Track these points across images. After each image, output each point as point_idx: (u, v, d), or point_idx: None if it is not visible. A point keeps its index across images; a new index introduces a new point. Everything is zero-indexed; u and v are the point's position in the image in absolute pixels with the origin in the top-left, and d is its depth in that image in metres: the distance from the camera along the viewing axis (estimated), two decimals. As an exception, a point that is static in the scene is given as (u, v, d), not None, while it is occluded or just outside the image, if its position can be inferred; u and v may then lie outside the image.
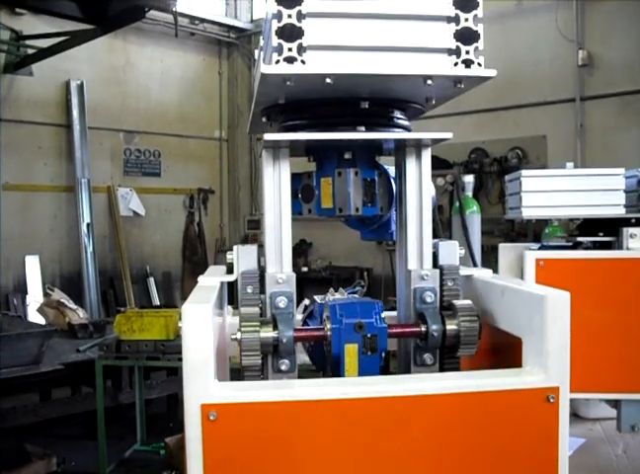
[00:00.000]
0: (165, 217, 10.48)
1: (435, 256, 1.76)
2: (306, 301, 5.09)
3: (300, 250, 9.89)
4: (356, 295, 1.96)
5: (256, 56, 2.07)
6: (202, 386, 1.34)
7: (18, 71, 8.58)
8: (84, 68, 9.37)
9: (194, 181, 10.78)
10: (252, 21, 11.19)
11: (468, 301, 1.68)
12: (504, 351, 1.71)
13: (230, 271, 1.78)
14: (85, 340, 5.94)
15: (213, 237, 11.13)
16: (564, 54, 7.79)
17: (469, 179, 6.43)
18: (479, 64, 1.53)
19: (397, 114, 1.75)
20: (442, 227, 6.45)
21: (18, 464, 4.96)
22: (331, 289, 2.03)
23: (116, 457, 5.05)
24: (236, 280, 1.73)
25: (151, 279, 10.15)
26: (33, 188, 8.97)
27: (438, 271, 1.74)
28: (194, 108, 10.76)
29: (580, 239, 3.26)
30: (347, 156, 1.71)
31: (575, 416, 5.19)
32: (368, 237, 2.02)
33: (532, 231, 7.52)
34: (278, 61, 1.45)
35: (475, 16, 1.53)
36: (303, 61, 1.46)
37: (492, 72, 1.54)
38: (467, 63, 1.53)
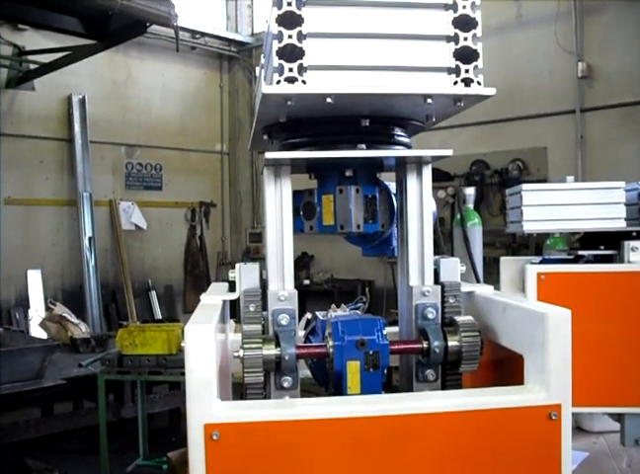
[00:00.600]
0: (167, 231, 10.49)
1: (436, 273, 1.76)
2: (308, 315, 5.09)
3: (302, 263, 9.89)
4: (357, 311, 1.96)
5: (257, 73, 2.08)
6: (205, 406, 1.35)
7: (20, 86, 8.62)
8: (86, 83, 9.41)
9: (195, 194, 10.80)
10: (253, 34, 11.24)
11: (469, 317, 1.68)
12: (506, 367, 1.71)
13: (232, 288, 1.79)
14: (87, 354, 5.94)
15: (215, 250, 11.13)
16: (564, 66, 7.81)
17: (470, 191, 6.44)
18: (478, 83, 1.55)
19: (397, 131, 1.76)
20: (444, 240, 6.46)
21: (20, 480, 4.95)
22: (333, 305, 2.03)
23: (118, 472, 5.04)
24: (238, 298, 1.74)
25: (153, 293, 10.15)
26: (34, 202, 8.99)
27: (439, 287, 1.74)
28: (195, 121, 10.79)
29: (581, 252, 3.26)
30: (348, 173, 1.73)
31: (578, 429, 5.16)
32: (370, 253, 2.03)
33: (534, 243, 7.52)
34: (279, 81, 1.47)
35: (474, 35, 1.55)
36: (304, 81, 1.47)
37: (491, 91, 1.55)
38: (467, 82, 1.55)
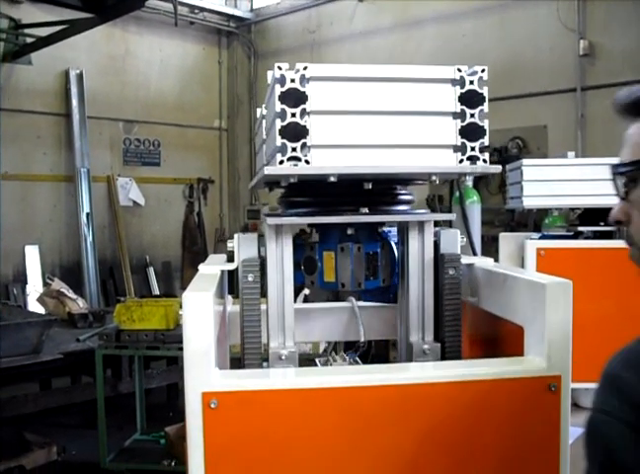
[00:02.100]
0: (165, 207, 10.46)
1: (436, 244, 1.75)
2: (306, 291, 5.09)
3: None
4: (357, 359, 1.93)
5: (258, 114, 2.05)
6: (203, 374, 1.34)
7: (17, 60, 8.54)
8: (83, 57, 9.33)
9: (193, 170, 10.76)
10: (252, 10, 11.13)
11: None
12: (505, 339, 1.71)
13: (231, 259, 1.78)
14: (85, 329, 5.95)
15: (213, 227, 11.12)
16: (565, 44, 7.75)
17: (469, 169, 6.40)
18: (484, 160, 1.53)
19: (400, 189, 1.76)
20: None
21: (18, 453, 4.96)
22: (332, 353, 2.01)
23: (116, 446, 5.06)
24: (237, 269, 1.73)
25: (151, 269, 10.14)
26: (32, 177, 8.95)
27: (439, 345, 1.73)
28: (193, 97, 10.73)
29: (580, 228, 3.26)
30: (349, 232, 1.70)
31: (575, 405, 5.17)
32: (369, 300, 2.02)
33: (533, 221, 7.51)
34: (281, 161, 1.44)
35: (481, 111, 1.52)
36: (307, 161, 1.45)
37: (497, 169, 1.55)
38: (472, 159, 1.52)
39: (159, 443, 5.20)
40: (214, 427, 1.33)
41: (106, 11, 7.34)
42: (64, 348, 5.34)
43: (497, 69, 8.44)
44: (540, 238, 3.24)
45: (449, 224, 5.64)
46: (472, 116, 1.52)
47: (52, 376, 5.79)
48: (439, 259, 1.74)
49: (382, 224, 1.81)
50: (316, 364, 1.86)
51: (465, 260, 1.80)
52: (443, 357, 1.72)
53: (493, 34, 8.25)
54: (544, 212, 3.87)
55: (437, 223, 1.80)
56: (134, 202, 10.00)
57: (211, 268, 1.75)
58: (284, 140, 1.44)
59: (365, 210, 1.64)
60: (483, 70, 1.52)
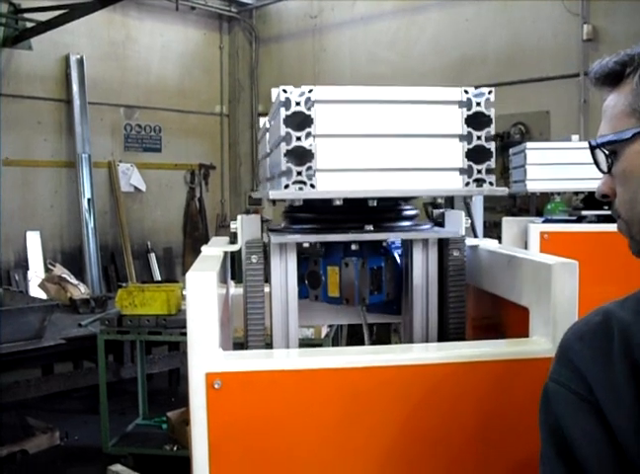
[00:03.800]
0: (166, 193, 10.44)
1: (440, 225, 1.74)
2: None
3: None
4: None
5: (261, 124, 2.03)
6: (207, 355, 1.33)
7: (16, 45, 8.49)
8: (83, 42, 9.28)
9: (194, 156, 10.73)
10: (253, -5, 11.07)
11: None
12: (510, 322, 1.70)
13: (233, 242, 1.77)
14: (87, 315, 5.95)
15: (214, 212, 11.10)
16: (568, 29, 7.70)
17: (472, 154, 6.39)
18: (490, 183, 1.51)
19: (404, 206, 1.75)
20: (445, 203, 6.42)
21: (21, 438, 4.99)
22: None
23: (118, 431, 5.07)
24: (240, 251, 1.72)
25: (152, 255, 10.13)
26: (33, 163, 8.92)
27: None
28: (194, 83, 10.68)
29: (584, 213, 3.25)
30: (354, 247, 1.68)
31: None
32: (373, 312, 2.02)
33: (535, 206, 7.49)
34: (287, 185, 1.43)
35: (487, 132, 1.51)
36: (313, 185, 1.44)
37: (503, 191, 1.54)
38: (479, 182, 1.51)
39: (161, 428, 5.22)
40: (218, 407, 1.33)
41: (106, -5, 7.31)
42: (66, 333, 5.34)
43: (499, 54, 8.42)
44: (544, 222, 3.23)
45: (452, 207, 5.61)
46: (479, 138, 1.50)
47: (54, 362, 5.79)
48: (442, 241, 1.73)
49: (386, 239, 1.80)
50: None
51: (470, 242, 1.80)
52: (447, 340, 1.71)
53: (496, 18, 8.20)
54: (546, 198, 3.86)
55: (438, 205, 1.79)
56: (136, 188, 9.97)
57: (215, 249, 1.74)
58: (290, 164, 1.43)
59: (370, 227, 1.63)
60: (490, 92, 1.51)
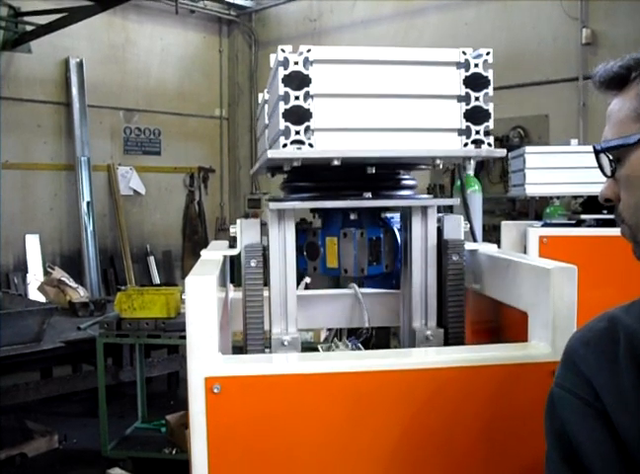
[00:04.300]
0: (165, 196, 10.44)
1: (439, 230, 1.75)
2: (307, 279, 5.10)
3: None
4: (359, 345, 1.93)
5: (260, 100, 2.03)
6: (206, 359, 1.33)
7: (16, 48, 8.49)
8: (83, 46, 9.29)
9: (194, 159, 10.74)
10: (253, -2, 11.09)
11: None
12: (509, 326, 1.70)
13: (232, 246, 1.77)
14: (86, 318, 5.94)
15: (214, 216, 11.10)
16: (567, 33, 7.71)
17: (471, 158, 6.38)
18: (489, 144, 1.51)
19: (403, 174, 1.75)
20: (444, 207, 6.42)
21: (20, 441, 4.99)
22: (335, 340, 2.00)
23: (117, 435, 5.06)
24: (239, 255, 1.72)
25: (151, 258, 10.13)
26: (32, 166, 8.92)
27: (442, 330, 1.72)
28: (194, 86, 10.69)
29: (583, 216, 3.25)
30: (352, 217, 1.69)
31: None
32: (372, 287, 2.02)
33: (534, 210, 7.50)
34: (285, 145, 1.43)
35: (486, 94, 1.51)
36: (311, 144, 1.44)
37: (501, 153, 1.53)
38: (477, 143, 1.51)
39: (160, 432, 5.21)
40: (217, 412, 1.33)
41: (106, -1, 7.31)
42: (65, 336, 5.33)
43: (498, 58, 8.33)
44: (543, 226, 3.23)
45: (451, 212, 5.62)
46: (477, 99, 1.51)
47: (53, 365, 5.79)
48: (442, 245, 1.74)
49: (385, 210, 1.80)
50: (318, 351, 1.86)
51: (469, 246, 1.80)
52: (447, 344, 1.71)
53: (495, 22, 8.21)
54: (545, 201, 3.87)
55: (439, 210, 1.79)
56: (135, 191, 9.97)
57: (214, 253, 1.75)
58: (288, 123, 1.43)
59: (369, 195, 1.63)
60: (488, 53, 1.51)
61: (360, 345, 1.90)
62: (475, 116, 1.51)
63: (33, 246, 8.84)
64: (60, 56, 9.10)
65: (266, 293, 1.71)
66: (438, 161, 1.57)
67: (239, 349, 1.75)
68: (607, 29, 7.48)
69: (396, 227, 1.80)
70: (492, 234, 6.94)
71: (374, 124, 1.49)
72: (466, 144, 1.51)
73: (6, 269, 8.62)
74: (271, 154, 1.45)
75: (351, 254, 1.71)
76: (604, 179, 1.17)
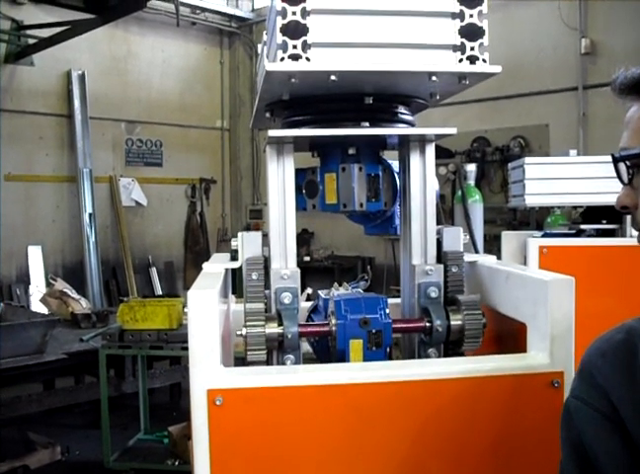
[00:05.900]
0: (167, 207, 10.47)
1: (439, 242, 1.76)
2: (309, 290, 5.11)
3: (302, 239, 9.88)
4: (360, 290, 1.95)
5: (259, 51, 2.06)
6: (209, 372, 1.35)
7: (19, 61, 8.57)
8: (85, 58, 9.35)
9: (195, 171, 10.78)
10: (253, 10, 11.14)
11: (472, 296, 1.67)
12: (508, 337, 1.71)
13: (234, 258, 1.78)
14: (88, 329, 5.94)
15: (215, 227, 11.13)
16: (567, 43, 7.75)
17: (471, 168, 6.42)
18: (484, 60, 1.53)
19: (401, 109, 1.74)
20: (445, 216, 6.45)
21: (22, 453, 4.99)
22: (335, 284, 2.01)
23: (119, 446, 5.07)
24: (241, 267, 1.73)
25: (153, 269, 10.15)
26: (35, 178, 8.97)
27: (442, 265, 1.72)
28: (195, 98, 10.74)
29: (583, 226, 3.26)
30: (351, 152, 1.70)
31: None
32: (372, 232, 2.02)
33: (535, 220, 7.52)
34: (282, 59, 1.44)
35: (480, 11, 1.53)
36: (308, 59, 1.45)
37: (497, 68, 1.54)
38: (472, 59, 1.53)
39: (163, 443, 5.21)
40: (220, 424, 1.34)
41: (107, 12, 7.36)
42: (68, 348, 5.33)
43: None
44: (543, 236, 3.25)
45: (452, 223, 5.67)
46: (471, 16, 1.52)
47: (56, 376, 5.78)
48: (442, 256, 1.75)
49: (384, 147, 1.81)
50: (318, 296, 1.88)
51: (468, 257, 1.81)
52: (447, 354, 1.72)
53: (494, 32, 8.13)
54: (546, 211, 3.89)
55: (439, 222, 1.80)
56: (137, 203, 10.01)
57: (216, 266, 1.76)
58: (285, 37, 1.44)
59: (367, 125, 1.64)
60: None
61: (360, 289, 1.92)
62: (470, 32, 1.52)
63: (35, 257, 8.86)
64: (62, 69, 9.15)
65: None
66: (434, 78, 1.55)
67: (241, 360, 1.75)
68: (606, 38, 7.52)
69: (395, 172, 1.81)
70: (493, 244, 6.97)
71: (370, 40, 1.51)
72: (461, 60, 1.53)
73: (8, 280, 8.65)
74: (269, 67, 1.45)
75: (349, 188, 1.71)
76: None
